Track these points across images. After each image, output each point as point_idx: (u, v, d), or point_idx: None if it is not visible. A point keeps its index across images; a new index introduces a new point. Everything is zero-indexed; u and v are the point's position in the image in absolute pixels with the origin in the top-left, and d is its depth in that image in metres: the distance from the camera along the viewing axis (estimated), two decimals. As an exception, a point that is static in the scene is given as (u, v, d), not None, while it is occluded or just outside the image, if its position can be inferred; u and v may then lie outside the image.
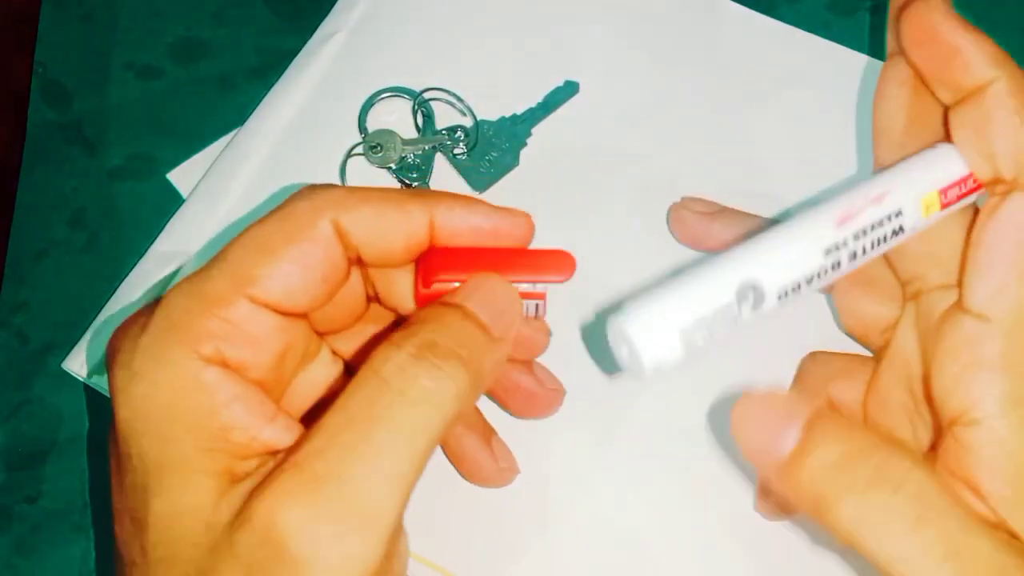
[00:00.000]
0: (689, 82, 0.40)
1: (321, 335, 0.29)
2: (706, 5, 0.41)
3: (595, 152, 0.38)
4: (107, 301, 0.37)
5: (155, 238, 0.38)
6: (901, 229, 0.26)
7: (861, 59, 0.40)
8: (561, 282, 0.27)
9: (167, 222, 0.38)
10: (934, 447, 0.27)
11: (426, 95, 0.38)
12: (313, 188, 0.26)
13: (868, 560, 0.23)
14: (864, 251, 0.26)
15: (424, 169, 0.37)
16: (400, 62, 0.40)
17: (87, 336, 0.36)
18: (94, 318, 0.36)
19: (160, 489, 0.23)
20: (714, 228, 0.35)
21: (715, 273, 0.25)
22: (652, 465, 0.34)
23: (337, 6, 0.41)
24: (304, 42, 0.41)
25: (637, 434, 0.34)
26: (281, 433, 0.24)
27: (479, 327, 0.26)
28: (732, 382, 0.34)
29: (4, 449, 0.36)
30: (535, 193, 0.37)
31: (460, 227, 0.27)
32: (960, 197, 0.26)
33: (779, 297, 0.25)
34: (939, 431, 0.26)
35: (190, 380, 0.24)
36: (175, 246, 0.37)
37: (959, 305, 0.25)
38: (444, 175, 0.38)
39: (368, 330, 0.30)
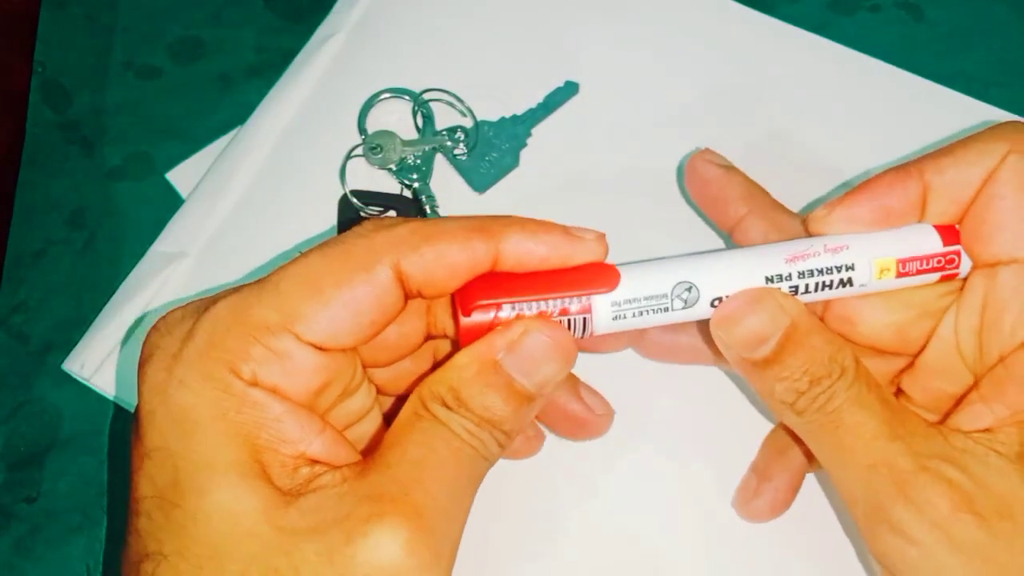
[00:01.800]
0: (689, 82, 0.40)
1: (367, 366, 0.29)
2: (706, 4, 0.41)
3: (595, 152, 0.38)
4: (107, 301, 0.37)
5: (155, 238, 0.38)
6: (850, 282, 0.28)
7: (861, 59, 0.40)
8: (606, 293, 0.27)
9: (167, 222, 0.38)
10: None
11: (426, 96, 0.38)
12: (377, 226, 0.26)
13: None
14: (807, 289, 0.28)
15: (424, 170, 0.37)
16: (400, 62, 0.40)
17: (87, 336, 0.36)
18: (94, 318, 0.36)
19: (212, 488, 0.23)
20: (731, 184, 0.33)
21: (663, 267, 0.28)
22: (657, 465, 0.34)
23: (337, 6, 0.41)
24: (304, 42, 0.41)
25: (641, 434, 0.34)
26: (330, 447, 0.25)
27: (512, 393, 0.26)
28: (732, 377, 0.34)
29: (4, 449, 0.36)
30: (535, 193, 0.37)
31: (527, 260, 0.27)
32: (921, 272, 0.28)
33: (711, 303, 0.27)
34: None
35: (238, 395, 0.24)
36: (175, 246, 0.37)
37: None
38: (444, 176, 0.38)
39: (403, 364, 0.30)
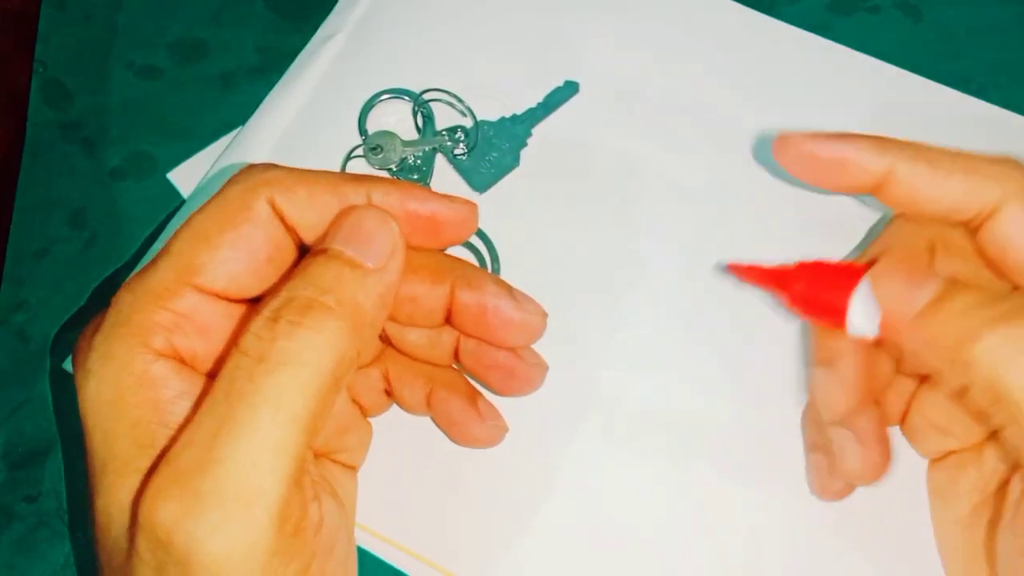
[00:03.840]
0: (689, 82, 0.40)
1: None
2: (707, 5, 0.41)
3: (595, 152, 0.38)
4: (108, 300, 0.37)
5: (156, 238, 0.38)
6: None
7: (861, 59, 0.40)
8: None
9: (167, 222, 0.38)
10: None
11: (426, 96, 0.38)
12: (249, 169, 0.26)
13: (1004, 401, 0.24)
14: None
15: (424, 170, 0.37)
16: (400, 63, 0.40)
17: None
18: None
19: (101, 487, 0.23)
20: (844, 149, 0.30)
21: None
22: (656, 465, 0.34)
23: (338, 6, 0.41)
24: (304, 42, 0.41)
25: (640, 433, 0.34)
26: None
27: (347, 264, 0.24)
28: (732, 378, 0.34)
29: (4, 448, 0.36)
30: (535, 193, 0.37)
31: (396, 212, 0.26)
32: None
33: None
34: None
35: (136, 376, 0.24)
36: (175, 246, 0.37)
37: None
38: (444, 176, 0.38)
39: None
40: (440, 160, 0.38)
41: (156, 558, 0.22)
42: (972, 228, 0.28)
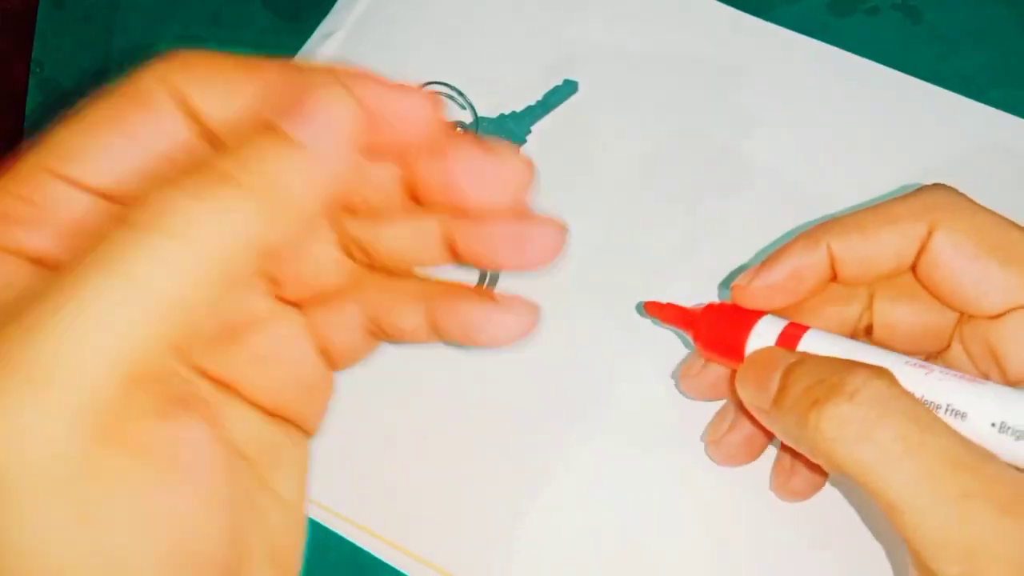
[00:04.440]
0: (687, 84, 0.40)
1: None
2: (704, 9, 0.41)
3: (594, 150, 0.38)
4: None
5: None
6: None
7: (858, 62, 0.40)
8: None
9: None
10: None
11: (427, 89, 0.38)
12: (164, 55, 0.21)
13: (848, 476, 0.24)
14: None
15: (423, 165, 0.37)
16: (399, 61, 0.40)
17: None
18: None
19: None
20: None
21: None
22: (656, 465, 0.33)
23: (337, 6, 0.42)
24: (303, 42, 0.41)
25: (640, 433, 0.34)
26: None
27: (277, 139, 0.19)
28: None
29: None
30: (534, 190, 0.37)
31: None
32: None
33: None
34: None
35: None
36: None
37: None
38: (443, 171, 0.38)
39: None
40: (439, 156, 0.38)
41: None
42: (913, 268, 0.28)
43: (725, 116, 0.39)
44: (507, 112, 0.39)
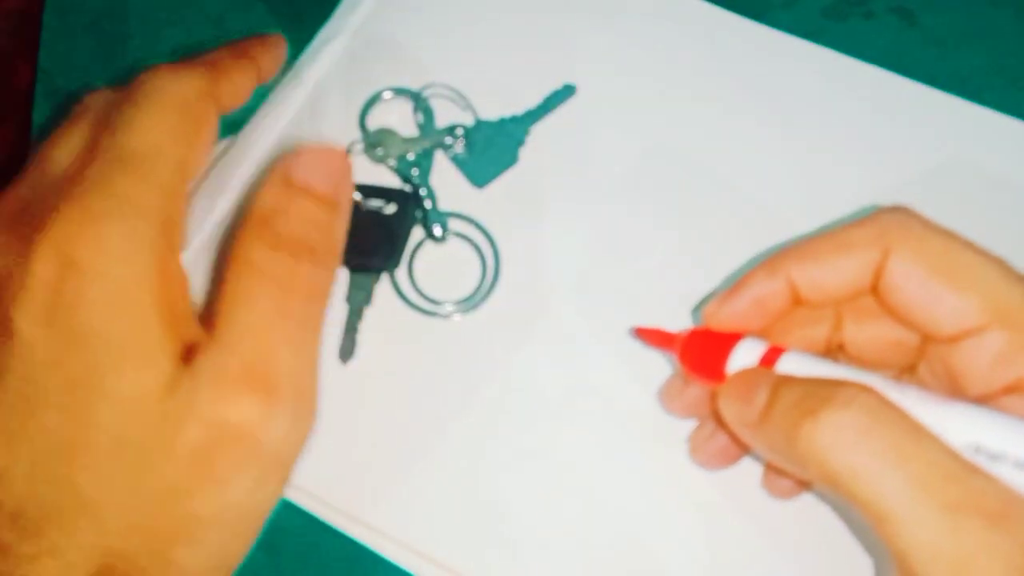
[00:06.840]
0: (686, 86, 0.40)
1: None
2: (702, 13, 0.41)
3: (593, 151, 0.39)
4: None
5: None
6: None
7: (855, 65, 0.40)
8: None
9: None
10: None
11: (428, 91, 0.39)
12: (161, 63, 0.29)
13: (837, 487, 0.24)
14: None
15: (424, 166, 0.38)
16: (400, 66, 0.40)
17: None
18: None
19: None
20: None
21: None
22: (656, 465, 0.34)
23: (339, 10, 0.42)
24: (305, 47, 0.41)
25: (640, 433, 0.34)
26: None
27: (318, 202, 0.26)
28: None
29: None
30: (534, 190, 0.38)
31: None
32: None
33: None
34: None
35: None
36: (175, 244, 0.37)
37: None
38: (444, 173, 0.38)
39: None
40: (440, 157, 0.38)
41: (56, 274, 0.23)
42: (873, 289, 0.28)
43: (722, 119, 0.39)
44: (507, 115, 0.39)
